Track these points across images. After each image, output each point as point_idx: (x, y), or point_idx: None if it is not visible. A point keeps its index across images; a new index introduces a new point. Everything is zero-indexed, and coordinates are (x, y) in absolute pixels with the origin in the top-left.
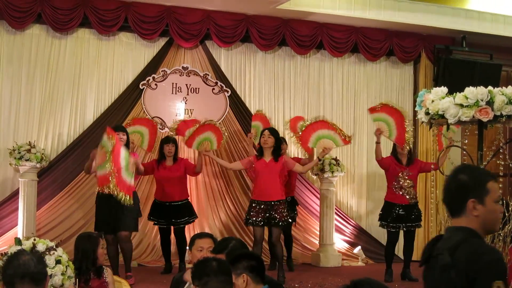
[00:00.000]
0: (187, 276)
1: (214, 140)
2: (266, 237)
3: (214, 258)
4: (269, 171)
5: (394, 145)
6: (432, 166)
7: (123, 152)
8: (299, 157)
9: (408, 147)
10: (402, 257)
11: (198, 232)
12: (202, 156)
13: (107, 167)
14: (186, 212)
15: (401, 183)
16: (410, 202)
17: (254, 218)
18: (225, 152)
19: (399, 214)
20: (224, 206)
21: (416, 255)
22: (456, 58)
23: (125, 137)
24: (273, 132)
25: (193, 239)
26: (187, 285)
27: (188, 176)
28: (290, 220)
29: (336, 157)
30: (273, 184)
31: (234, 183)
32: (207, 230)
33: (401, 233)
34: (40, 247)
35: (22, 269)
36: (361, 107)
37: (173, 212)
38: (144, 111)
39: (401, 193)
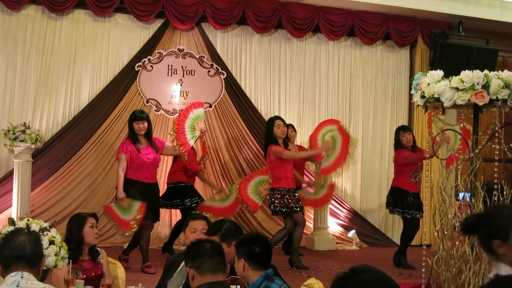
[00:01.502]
0: None
1: None
2: (262, 224)
3: (208, 240)
4: (287, 160)
5: (397, 135)
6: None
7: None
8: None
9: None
10: (398, 242)
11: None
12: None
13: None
14: (197, 193)
15: (418, 173)
16: (419, 190)
17: (299, 204)
18: (220, 135)
19: (413, 202)
20: None
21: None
22: (452, 42)
23: (145, 125)
24: (284, 121)
25: (187, 220)
26: (180, 266)
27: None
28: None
29: None
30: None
31: (230, 167)
32: (203, 213)
33: (396, 217)
34: (34, 227)
35: (18, 251)
36: (357, 91)
37: (189, 192)
38: (139, 93)
39: (415, 181)
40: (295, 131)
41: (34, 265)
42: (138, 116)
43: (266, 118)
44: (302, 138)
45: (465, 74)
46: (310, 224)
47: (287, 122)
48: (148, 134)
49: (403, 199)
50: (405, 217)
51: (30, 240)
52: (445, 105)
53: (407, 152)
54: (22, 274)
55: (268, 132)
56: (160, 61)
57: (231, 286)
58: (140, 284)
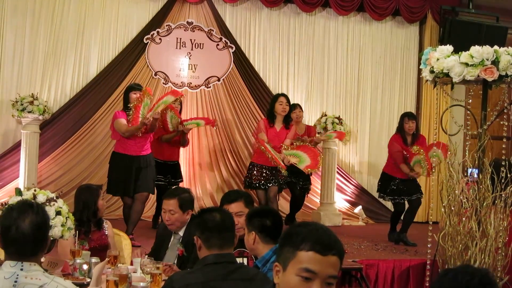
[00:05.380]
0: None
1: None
2: None
3: (218, 209)
4: (278, 140)
5: (402, 121)
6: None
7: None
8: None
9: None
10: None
11: (200, 189)
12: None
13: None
14: (180, 172)
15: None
16: (409, 177)
17: (260, 181)
18: (228, 108)
19: (398, 188)
20: (225, 162)
21: (415, 218)
22: (462, 19)
23: None
24: (289, 100)
25: (162, 198)
26: (170, 242)
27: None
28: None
29: (339, 116)
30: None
31: (236, 138)
32: (208, 186)
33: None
34: (41, 197)
35: (20, 242)
36: (365, 67)
37: (172, 171)
38: (147, 66)
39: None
40: (302, 110)
41: (36, 254)
42: (136, 86)
43: (274, 93)
44: (310, 114)
45: (475, 50)
46: (316, 199)
47: (295, 97)
48: None
49: (387, 185)
50: (393, 203)
51: (33, 227)
52: (454, 80)
53: (398, 145)
54: (22, 266)
55: (270, 107)
56: (169, 33)
57: (237, 259)
58: (146, 256)
